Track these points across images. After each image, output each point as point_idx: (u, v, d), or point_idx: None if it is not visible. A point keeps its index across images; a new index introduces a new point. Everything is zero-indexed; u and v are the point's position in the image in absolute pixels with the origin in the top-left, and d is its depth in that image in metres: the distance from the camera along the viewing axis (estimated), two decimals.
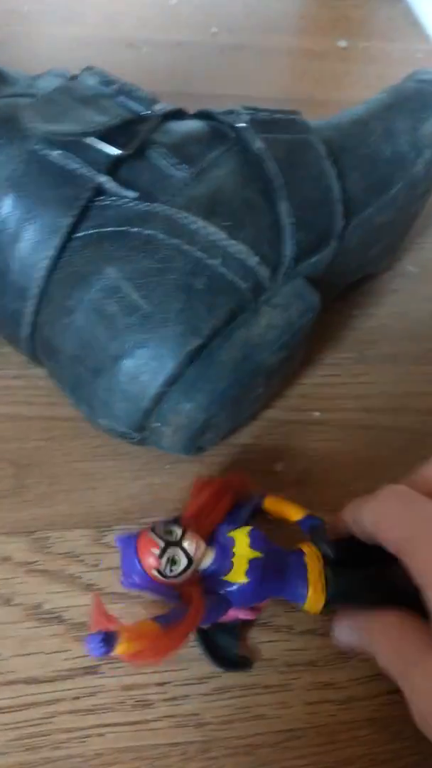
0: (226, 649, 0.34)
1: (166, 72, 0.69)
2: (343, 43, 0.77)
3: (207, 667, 0.35)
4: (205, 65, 0.71)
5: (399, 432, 0.46)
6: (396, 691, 0.34)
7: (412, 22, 0.83)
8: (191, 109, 0.43)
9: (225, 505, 0.35)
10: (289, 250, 0.38)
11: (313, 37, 0.78)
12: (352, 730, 0.34)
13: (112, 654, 0.27)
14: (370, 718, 0.35)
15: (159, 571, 0.30)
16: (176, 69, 0.70)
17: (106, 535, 0.38)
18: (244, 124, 0.40)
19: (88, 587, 0.36)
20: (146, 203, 0.37)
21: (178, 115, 0.42)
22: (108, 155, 0.36)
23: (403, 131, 0.44)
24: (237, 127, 0.40)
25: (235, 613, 0.33)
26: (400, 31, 0.82)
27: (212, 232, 0.36)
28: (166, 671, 0.35)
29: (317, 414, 0.46)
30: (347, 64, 0.75)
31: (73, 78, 0.41)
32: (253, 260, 0.36)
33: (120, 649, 0.27)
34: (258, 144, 0.39)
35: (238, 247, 0.36)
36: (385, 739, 0.34)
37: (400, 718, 0.35)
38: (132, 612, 0.36)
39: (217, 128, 0.41)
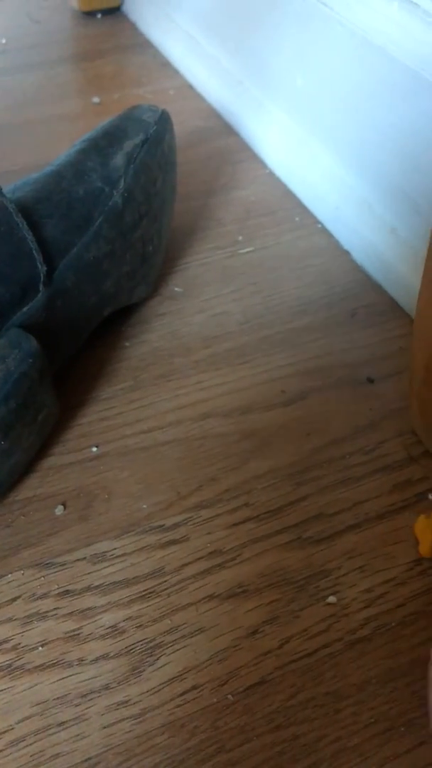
0: None
1: None
2: (96, 100, 0.81)
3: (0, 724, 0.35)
4: None
5: (176, 443, 0.47)
6: (189, 690, 0.35)
7: (162, 63, 0.88)
8: None
9: None
10: None
11: (68, 102, 0.81)
12: (149, 740, 0.35)
13: None
14: (165, 724, 0.35)
15: None
16: None
17: None
18: None
19: None
20: None
21: None
22: None
23: (93, 169, 0.46)
24: None
25: None
26: (152, 74, 0.86)
27: None
28: None
29: (95, 449, 0.47)
30: (102, 117, 0.79)
31: None
32: None
33: None
34: None
35: None
36: (182, 740, 0.35)
37: (194, 715, 0.36)
38: None
39: None
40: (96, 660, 0.37)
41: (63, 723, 0.35)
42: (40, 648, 0.38)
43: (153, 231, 0.51)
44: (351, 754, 0.34)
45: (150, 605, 0.39)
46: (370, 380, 0.51)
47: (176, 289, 0.58)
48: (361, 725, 0.35)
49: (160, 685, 0.37)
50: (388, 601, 0.40)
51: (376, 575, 0.41)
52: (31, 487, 0.45)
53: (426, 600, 0.39)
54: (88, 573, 0.41)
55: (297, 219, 0.65)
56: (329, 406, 0.50)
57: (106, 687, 0.37)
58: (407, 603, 0.39)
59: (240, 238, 0.63)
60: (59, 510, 0.44)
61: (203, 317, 0.56)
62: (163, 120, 0.52)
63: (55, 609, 0.39)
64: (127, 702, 0.36)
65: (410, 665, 0.37)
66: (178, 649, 0.38)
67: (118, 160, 0.47)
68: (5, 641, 0.38)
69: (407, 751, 0.34)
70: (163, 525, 0.43)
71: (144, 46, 0.92)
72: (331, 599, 0.40)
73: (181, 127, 0.77)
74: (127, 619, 0.39)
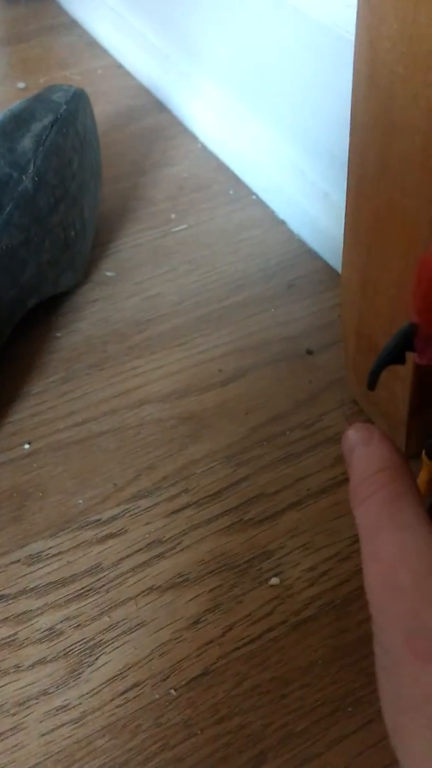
0: None
1: None
2: (22, 85, 0.78)
3: None
4: None
5: (111, 434, 0.46)
6: (130, 689, 0.34)
7: (89, 43, 0.86)
8: None
9: None
10: None
11: None
12: (89, 745, 0.34)
13: None
14: (106, 726, 0.34)
15: None
16: None
17: None
18: None
19: None
20: None
21: None
22: None
23: (0, 155, 0.44)
24: None
25: None
26: (79, 54, 0.84)
27: None
28: None
29: (27, 446, 0.45)
30: None
31: None
32: None
33: None
34: None
35: None
36: (124, 740, 0.34)
37: (136, 713, 0.34)
38: None
39: None
40: (33, 665, 0.36)
41: (0, 734, 0.34)
42: None
43: (74, 215, 0.49)
44: (298, 739, 0.33)
45: (88, 603, 0.38)
46: (310, 352, 0.50)
47: (108, 273, 0.57)
48: (307, 709, 0.34)
49: (100, 685, 0.35)
50: (332, 577, 0.38)
51: (320, 552, 0.39)
52: None
53: None
54: (23, 575, 0.39)
55: (231, 192, 0.63)
56: (268, 382, 0.48)
57: (44, 692, 0.35)
58: (352, 578, 0.38)
59: (173, 216, 0.61)
60: None
61: (137, 300, 0.54)
62: (77, 99, 0.50)
63: None
64: (66, 706, 0.35)
65: (357, 642, 0.36)
66: (118, 647, 0.36)
67: (26, 143, 0.45)
68: None
69: (355, 731, 0.33)
70: (100, 519, 0.41)
71: (70, 26, 0.90)
72: (274, 581, 0.38)
73: (111, 107, 0.75)
74: (64, 620, 0.38)
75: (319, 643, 0.36)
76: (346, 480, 0.42)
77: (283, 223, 0.60)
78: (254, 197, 0.62)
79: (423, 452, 0.39)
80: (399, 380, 0.39)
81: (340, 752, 0.33)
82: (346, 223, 0.38)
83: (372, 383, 0.30)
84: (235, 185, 0.64)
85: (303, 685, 0.35)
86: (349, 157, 0.36)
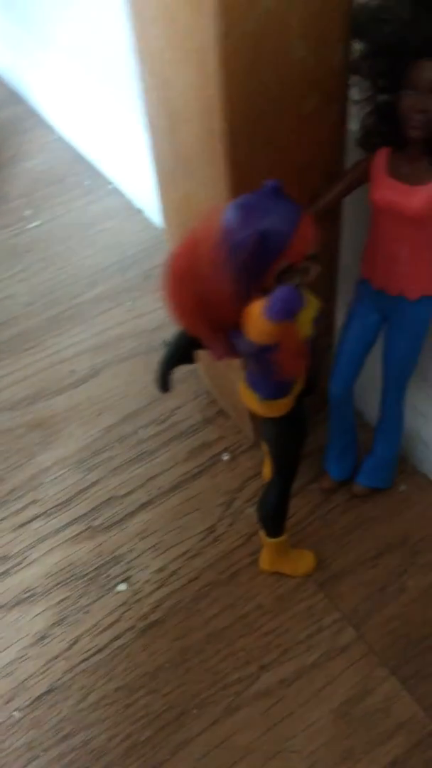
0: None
1: None
2: None
3: None
4: None
5: None
6: None
7: None
8: None
9: None
10: None
11: None
12: None
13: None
14: None
15: None
16: None
17: None
18: None
19: None
20: None
21: None
22: None
23: None
24: None
25: None
26: None
27: None
28: None
29: None
30: None
31: None
32: None
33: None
34: None
35: None
36: None
37: None
38: None
39: None
40: None
41: None
42: None
43: None
44: (143, 748, 0.33)
45: None
46: (166, 344, 0.49)
47: None
48: (153, 716, 0.34)
49: None
50: (180, 577, 0.38)
51: (169, 552, 0.39)
52: None
53: (219, 568, 0.38)
54: None
55: (88, 183, 0.61)
56: (123, 379, 0.47)
57: None
58: (200, 575, 0.38)
59: (27, 212, 0.59)
60: None
61: None
62: None
63: None
64: None
65: (204, 641, 0.36)
66: None
67: None
68: None
69: (199, 733, 0.33)
70: None
71: None
72: (122, 587, 0.38)
73: None
74: None
75: (166, 647, 0.35)
76: (198, 474, 0.41)
77: (140, 212, 0.58)
78: (111, 187, 0.61)
79: (263, 442, 0.38)
80: (235, 371, 0.38)
81: (184, 756, 0.32)
82: (163, 218, 0.37)
83: (162, 385, 0.30)
84: (92, 176, 0.62)
85: (149, 691, 0.34)
86: (151, 152, 0.34)
